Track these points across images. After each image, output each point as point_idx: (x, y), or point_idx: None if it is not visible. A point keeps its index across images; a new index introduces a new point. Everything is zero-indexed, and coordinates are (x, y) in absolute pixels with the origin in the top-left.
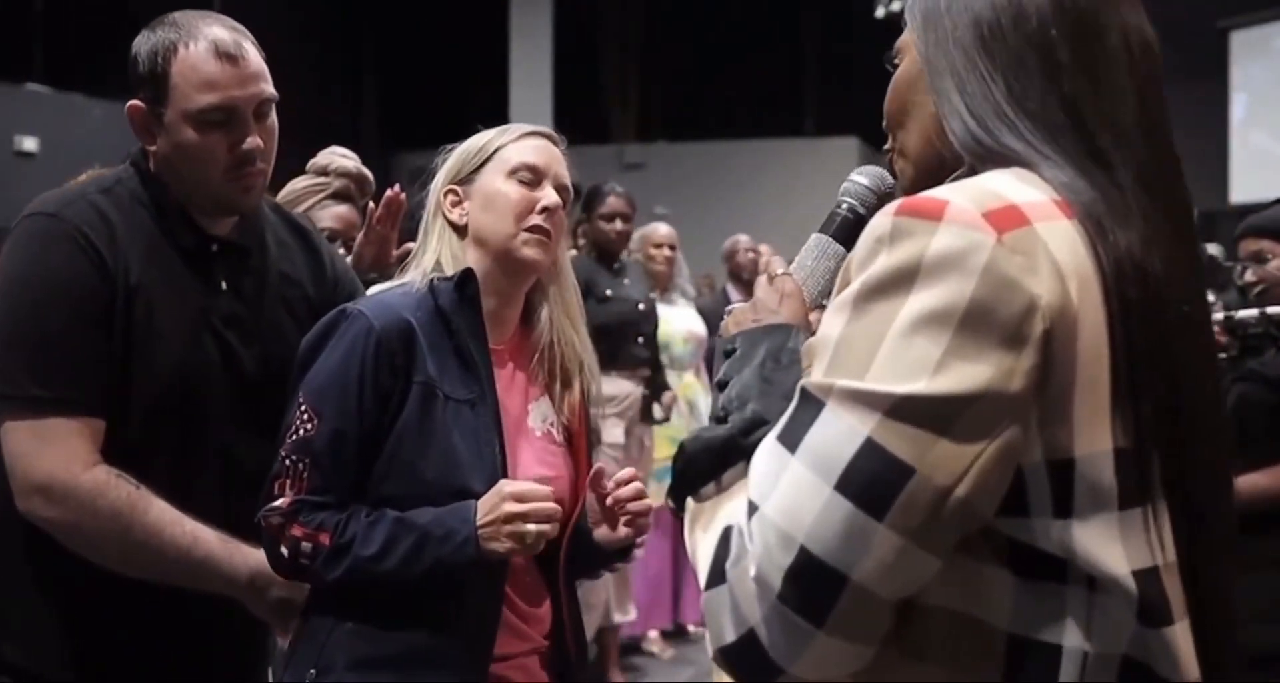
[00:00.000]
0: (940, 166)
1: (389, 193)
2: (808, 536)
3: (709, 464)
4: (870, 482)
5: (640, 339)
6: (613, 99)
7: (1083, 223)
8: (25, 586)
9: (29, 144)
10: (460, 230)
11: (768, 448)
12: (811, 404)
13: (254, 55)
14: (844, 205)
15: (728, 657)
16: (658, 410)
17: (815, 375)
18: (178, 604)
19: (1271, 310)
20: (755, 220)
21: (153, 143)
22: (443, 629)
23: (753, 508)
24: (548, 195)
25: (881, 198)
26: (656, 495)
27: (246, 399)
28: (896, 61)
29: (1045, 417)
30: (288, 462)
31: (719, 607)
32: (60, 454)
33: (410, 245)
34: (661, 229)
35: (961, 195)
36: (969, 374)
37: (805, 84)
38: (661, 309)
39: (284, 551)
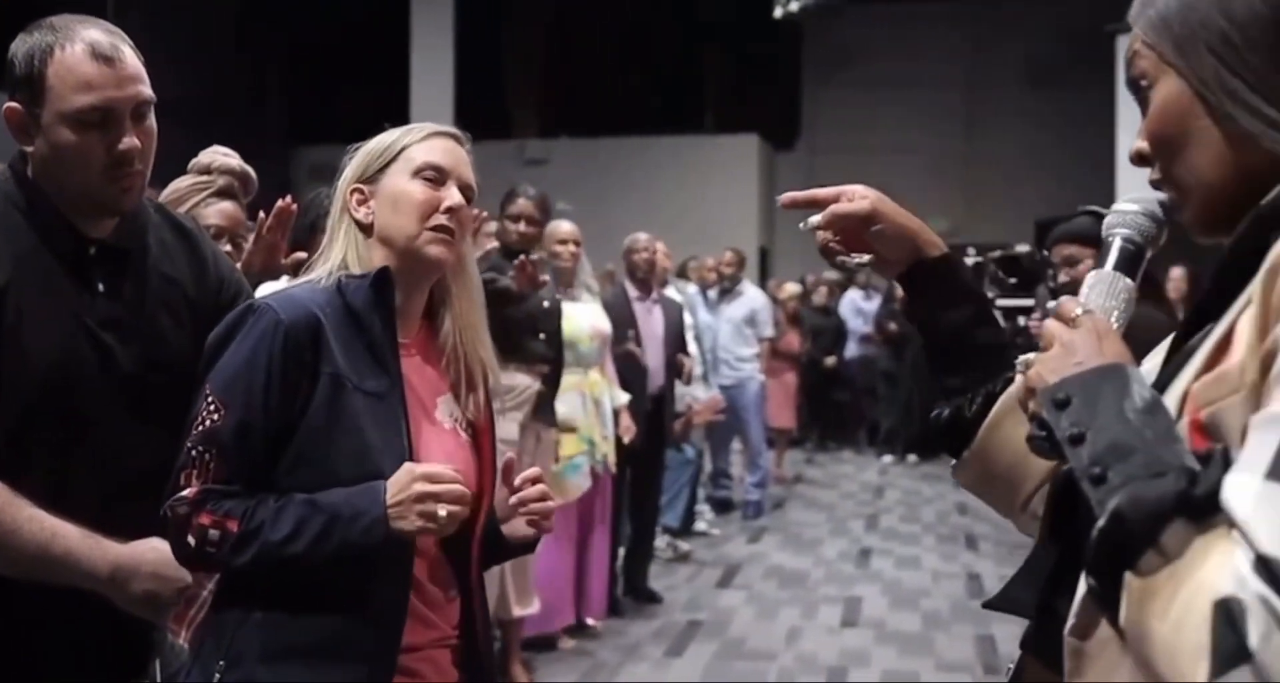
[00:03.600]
0: (1240, 186)
1: (280, 203)
2: None
3: (1145, 530)
4: None
5: (541, 336)
6: (515, 95)
7: None
8: None
9: None
10: (366, 229)
11: (1262, 493)
12: None
13: (131, 57)
14: (1120, 237)
15: None
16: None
17: None
18: (61, 599)
19: None
20: (656, 216)
21: (30, 144)
22: (351, 618)
23: (1277, 567)
24: (451, 195)
25: (1159, 224)
26: (558, 491)
27: (126, 400)
28: (1144, 84)
29: None
30: (194, 453)
31: None
32: None
33: (300, 255)
34: (564, 226)
35: None
36: None
37: (706, 81)
38: (566, 307)
39: (190, 540)
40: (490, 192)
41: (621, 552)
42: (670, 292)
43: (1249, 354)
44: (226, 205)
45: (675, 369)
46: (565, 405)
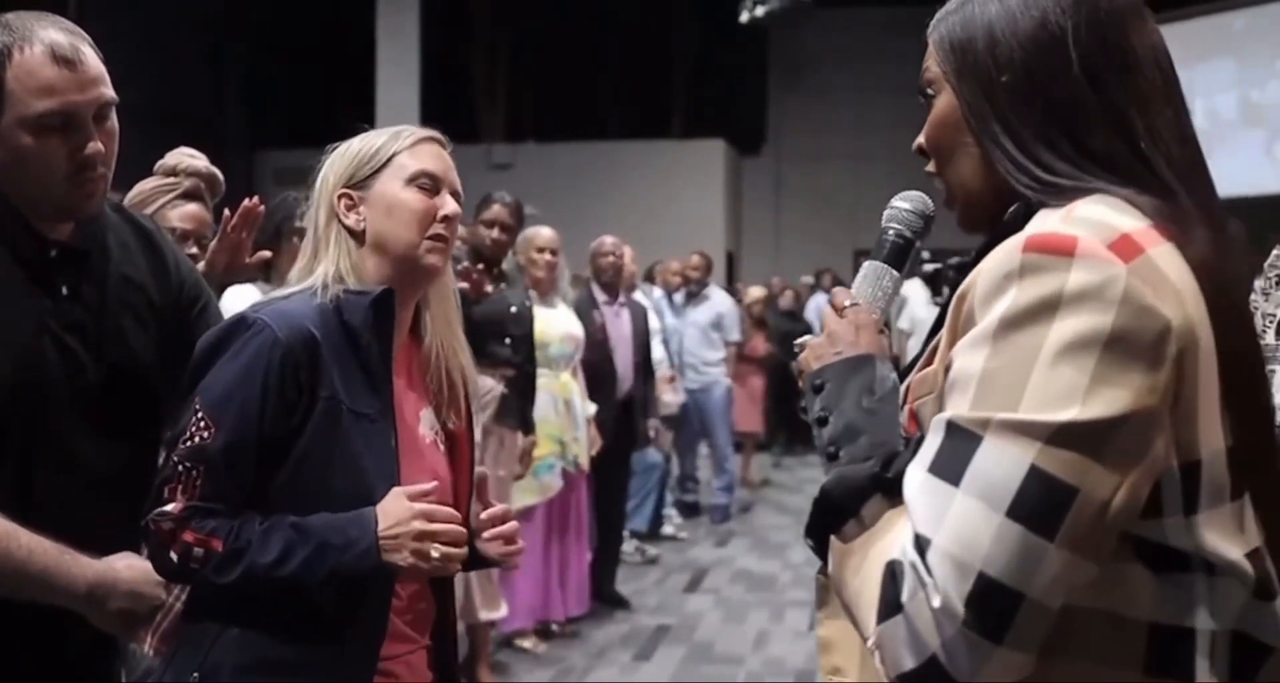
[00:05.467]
0: (994, 199)
1: (246, 203)
2: (985, 562)
3: (849, 504)
4: (1039, 506)
5: (507, 340)
6: (481, 99)
7: (1177, 242)
8: None
9: None
10: (357, 236)
11: (923, 482)
12: (967, 438)
13: (92, 58)
14: (891, 231)
15: (908, 682)
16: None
17: (961, 410)
18: (29, 605)
19: None
20: (623, 221)
21: None
22: (330, 635)
23: (923, 542)
24: (448, 203)
25: (926, 221)
26: (530, 492)
27: (92, 404)
28: (930, 92)
29: (1177, 425)
30: (180, 468)
31: (895, 638)
32: None
33: (265, 253)
34: (544, 233)
35: (1083, 229)
36: (1117, 398)
37: (673, 86)
38: (541, 311)
39: (173, 555)
40: None
41: (589, 556)
42: (637, 295)
43: (939, 362)
44: (192, 207)
45: (645, 373)
46: (536, 406)
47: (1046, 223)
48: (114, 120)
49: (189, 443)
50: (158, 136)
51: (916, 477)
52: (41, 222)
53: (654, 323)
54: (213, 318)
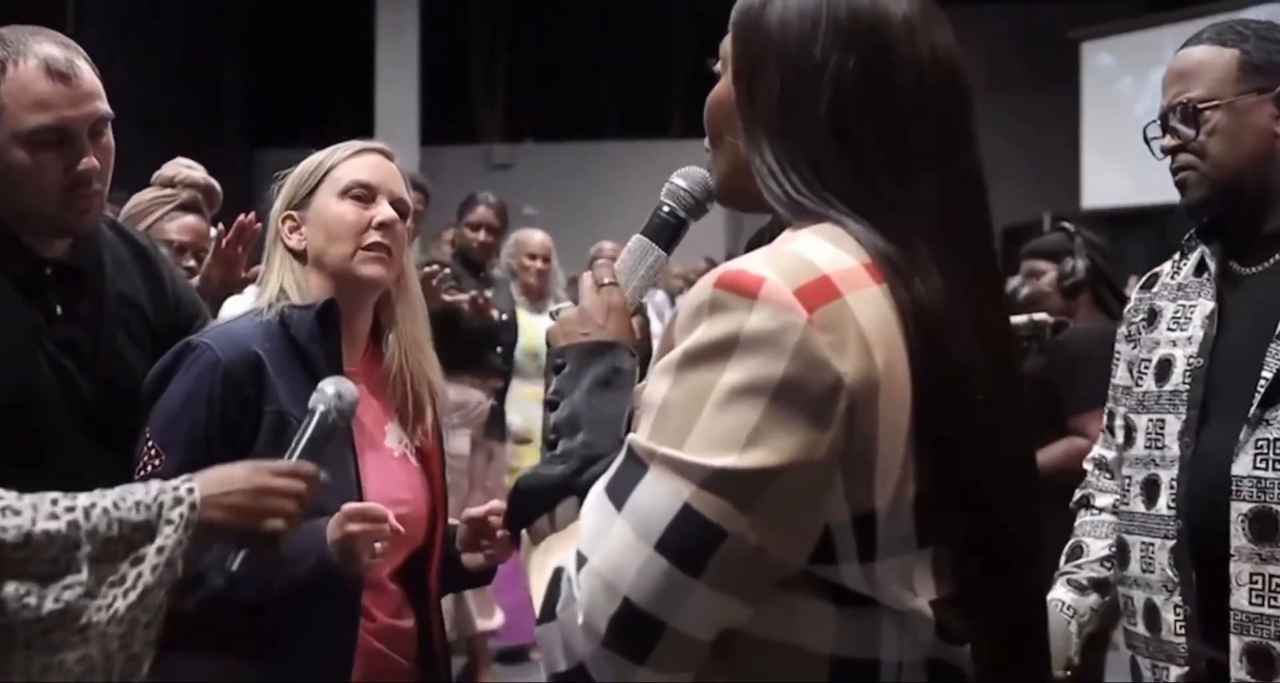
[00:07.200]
0: (752, 196)
1: (241, 218)
2: (630, 588)
3: (543, 502)
4: (687, 544)
5: (499, 349)
6: (480, 99)
7: (890, 286)
8: None
9: None
10: (300, 256)
11: (597, 499)
12: (637, 465)
13: (87, 73)
14: (665, 208)
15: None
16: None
17: (641, 435)
18: None
19: (1038, 316)
20: (622, 221)
21: None
22: (300, 658)
23: (581, 559)
24: (382, 211)
25: (700, 201)
26: None
27: (88, 424)
28: (718, 69)
29: (849, 477)
30: None
31: (551, 641)
32: None
33: (259, 268)
34: (536, 237)
35: (777, 269)
36: (776, 449)
37: (673, 86)
38: (532, 319)
39: None
40: (455, 196)
41: None
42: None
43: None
44: (190, 219)
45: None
46: (523, 416)
47: (748, 258)
48: (109, 136)
49: (142, 473)
50: (156, 136)
51: (595, 491)
52: (36, 239)
53: (655, 327)
54: None
